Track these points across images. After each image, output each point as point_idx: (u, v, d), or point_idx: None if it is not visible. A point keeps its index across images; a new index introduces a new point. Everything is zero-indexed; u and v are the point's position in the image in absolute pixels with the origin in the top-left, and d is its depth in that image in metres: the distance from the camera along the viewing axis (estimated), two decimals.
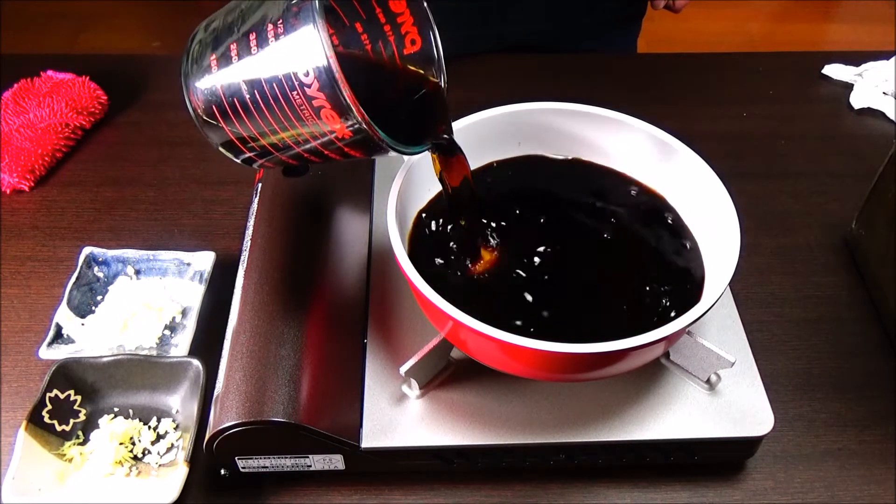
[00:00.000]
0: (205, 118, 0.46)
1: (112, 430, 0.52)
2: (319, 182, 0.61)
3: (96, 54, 1.06)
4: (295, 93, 0.42)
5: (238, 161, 0.49)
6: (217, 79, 0.45)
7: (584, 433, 0.50)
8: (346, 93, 0.41)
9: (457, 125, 0.54)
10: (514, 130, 0.58)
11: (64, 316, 0.58)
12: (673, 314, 0.48)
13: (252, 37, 0.43)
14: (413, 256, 0.47)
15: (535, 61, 0.88)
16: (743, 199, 0.52)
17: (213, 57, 0.45)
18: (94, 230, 0.68)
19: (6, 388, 0.57)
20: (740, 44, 2.10)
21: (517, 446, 0.50)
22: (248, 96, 0.44)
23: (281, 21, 0.42)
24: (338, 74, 0.40)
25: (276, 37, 0.42)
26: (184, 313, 0.60)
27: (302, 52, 0.41)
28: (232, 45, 0.44)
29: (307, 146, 0.45)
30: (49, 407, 0.52)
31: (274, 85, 0.42)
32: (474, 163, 0.58)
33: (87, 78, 0.79)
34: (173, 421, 0.54)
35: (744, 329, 0.55)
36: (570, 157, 0.59)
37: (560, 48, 0.91)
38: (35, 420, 0.51)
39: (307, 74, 0.41)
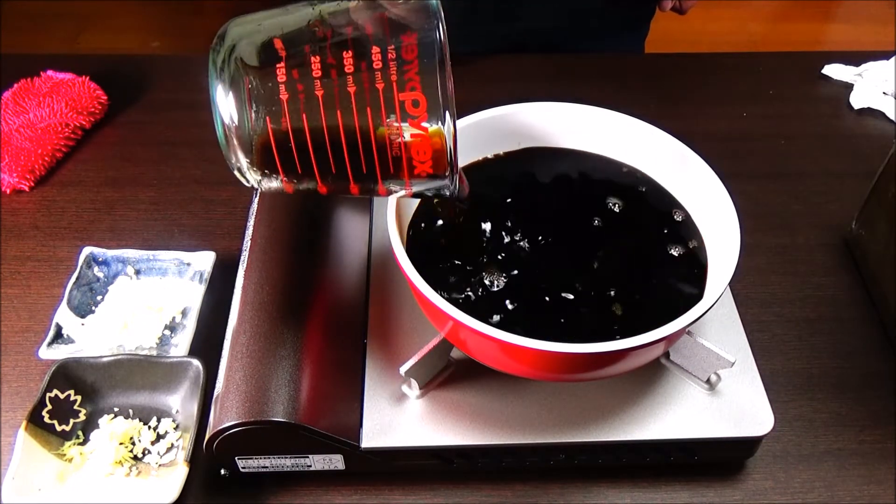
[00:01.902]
0: (246, 133, 0.40)
1: (112, 430, 0.52)
2: None
3: (96, 54, 1.06)
4: (392, 119, 0.39)
5: (249, 183, 0.44)
6: (281, 92, 0.39)
7: (584, 433, 0.50)
8: (454, 127, 0.39)
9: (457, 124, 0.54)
10: (515, 130, 0.58)
11: (64, 316, 0.58)
12: (673, 314, 0.48)
13: (347, 55, 0.39)
14: (413, 257, 0.47)
15: (535, 61, 0.88)
16: (743, 199, 0.52)
17: (281, 66, 0.39)
18: (94, 230, 0.68)
19: (6, 388, 0.57)
20: (740, 44, 2.10)
21: (517, 446, 0.50)
22: (325, 117, 0.39)
23: (393, 46, 0.38)
24: (452, 109, 0.38)
25: (385, 61, 0.38)
26: (184, 313, 0.60)
27: (417, 81, 0.38)
28: (313, 59, 0.39)
29: (364, 176, 0.41)
30: (49, 407, 0.52)
31: (368, 109, 0.39)
32: (474, 159, 0.58)
33: (87, 78, 0.79)
34: (173, 421, 0.54)
35: (744, 329, 0.55)
36: (570, 155, 0.59)
37: (565, 49, 0.91)
38: (35, 420, 0.51)
39: (416, 105, 0.39)
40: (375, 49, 0.39)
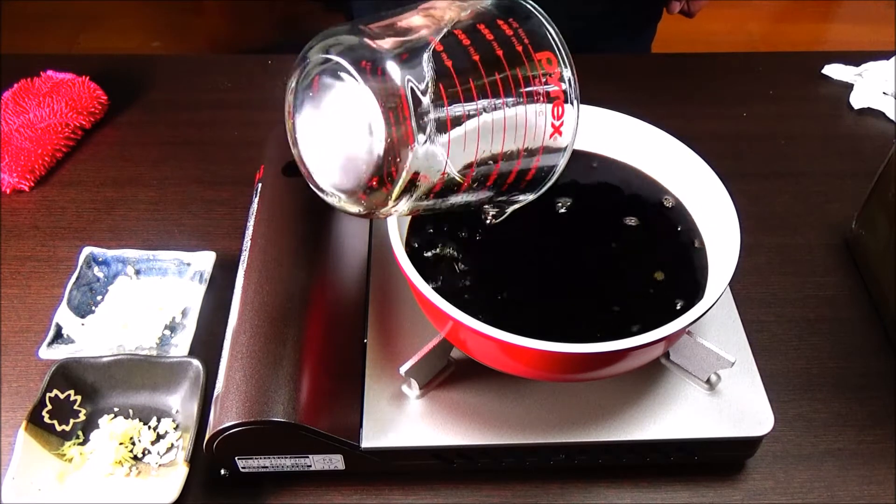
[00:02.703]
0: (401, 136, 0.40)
1: (112, 430, 0.52)
2: None
3: (96, 54, 1.06)
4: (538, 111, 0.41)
5: (355, 208, 0.43)
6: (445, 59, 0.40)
7: (584, 433, 0.50)
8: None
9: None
10: None
11: (64, 316, 0.58)
12: (673, 314, 0.48)
13: (482, 27, 0.41)
14: (413, 256, 0.47)
15: None
16: (743, 199, 0.52)
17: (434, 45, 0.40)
18: (94, 230, 0.68)
19: (6, 388, 0.57)
20: (740, 44, 2.10)
21: (517, 446, 0.50)
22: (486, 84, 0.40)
23: (512, 17, 0.41)
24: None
25: (513, 28, 0.41)
26: (184, 313, 0.60)
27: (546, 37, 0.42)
28: (457, 32, 0.41)
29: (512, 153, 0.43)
30: (49, 407, 0.52)
31: (524, 94, 0.41)
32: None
33: (87, 78, 0.79)
34: (173, 421, 0.54)
35: (744, 329, 0.55)
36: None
37: (571, 50, 0.91)
38: (35, 420, 0.51)
39: (549, 62, 0.41)
40: (500, 21, 0.41)
